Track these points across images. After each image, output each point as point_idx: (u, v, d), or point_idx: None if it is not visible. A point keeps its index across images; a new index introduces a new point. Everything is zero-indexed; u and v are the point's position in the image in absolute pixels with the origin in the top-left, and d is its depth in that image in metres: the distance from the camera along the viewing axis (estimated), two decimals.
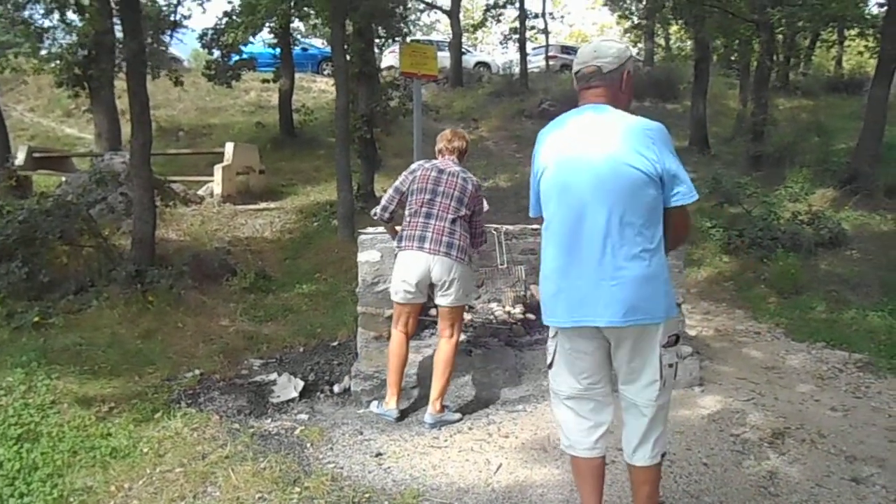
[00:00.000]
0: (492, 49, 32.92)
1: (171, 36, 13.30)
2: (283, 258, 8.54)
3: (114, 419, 3.85)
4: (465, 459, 3.35)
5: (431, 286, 3.80)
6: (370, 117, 10.88)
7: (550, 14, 23.92)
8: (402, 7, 12.47)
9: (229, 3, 13.84)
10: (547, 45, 23.13)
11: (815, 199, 9.94)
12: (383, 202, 3.93)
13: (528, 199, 2.54)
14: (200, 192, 10.81)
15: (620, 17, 18.14)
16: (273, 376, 4.57)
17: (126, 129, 9.57)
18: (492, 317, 4.57)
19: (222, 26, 12.43)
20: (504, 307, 4.62)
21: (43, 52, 12.11)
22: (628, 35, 19.68)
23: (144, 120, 7.02)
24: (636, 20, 17.91)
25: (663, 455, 2.41)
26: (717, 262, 8.16)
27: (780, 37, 15.61)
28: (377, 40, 12.29)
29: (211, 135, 15.27)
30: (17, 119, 15.55)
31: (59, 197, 7.81)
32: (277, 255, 8.65)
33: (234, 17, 11.91)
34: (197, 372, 4.76)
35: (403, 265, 3.78)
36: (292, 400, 4.24)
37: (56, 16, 11.14)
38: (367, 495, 2.98)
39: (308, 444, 3.54)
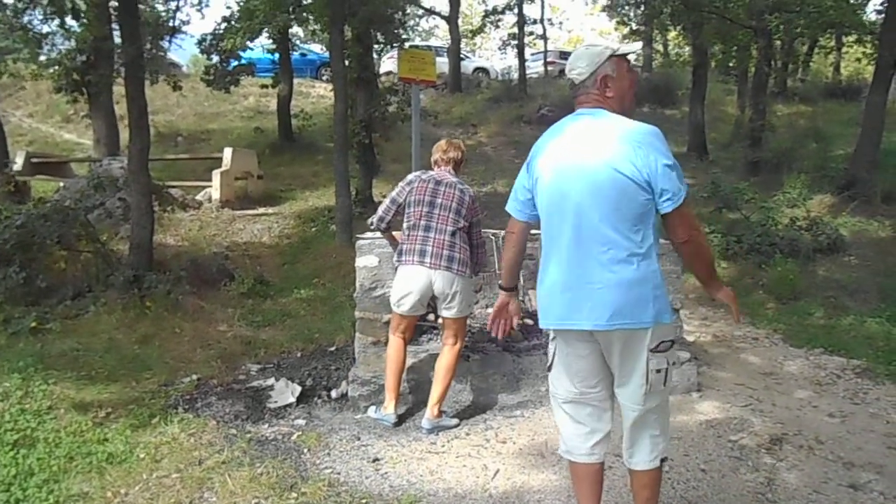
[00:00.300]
0: (490, 55, 32.99)
1: (170, 41, 13.31)
2: (281, 263, 8.54)
3: (110, 424, 3.83)
4: (463, 465, 3.35)
5: (433, 298, 3.81)
6: (369, 123, 10.90)
7: (549, 20, 24.03)
8: (400, 13, 12.50)
9: (228, 8, 13.90)
10: (545, 51, 23.20)
11: (813, 205, 9.94)
12: (380, 213, 3.93)
13: None
14: (199, 198, 10.82)
15: (619, 22, 18.18)
16: (270, 381, 4.56)
17: (124, 135, 9.56)
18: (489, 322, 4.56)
19: (221, 32, 12.44)
20: None
21: (42, 58, 12.10)
22: (626, 41, 19.73)
23: (142, 125, 7.02)
24: (634, 26, 17.94)
25: (663, 460, 2.41)
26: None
27: (778, 43, 15.67)
28: (376, 46, 12.31)
29: (209, 140, 15.28)
30: (15, 124, 15.54)
31: (57, 202, 7.81)
32: (275, 260, 8.65)
33: (233, 23, 11.92)
34: (194, 377, 4.75)
35: (404, 280, 3.78)
36: (290, 405, 4.23)
37: (55, 21, 11.13)
38: (364, 501, 2.97)
39: (305, 450, 3.54)
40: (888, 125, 10.83)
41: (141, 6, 10.39)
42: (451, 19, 20.67)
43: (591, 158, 2.23)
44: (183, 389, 4.50)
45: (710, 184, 10.09)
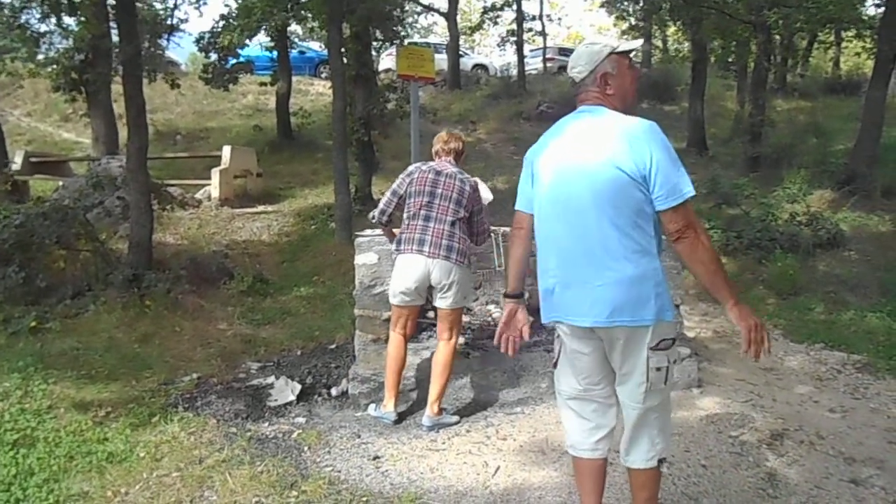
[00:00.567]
0: (489, 51, 33.03)
1: (169, 40, 13.29)
2: (280, 261, 8.53)
3: (110, 424, 3.83)
4: (463, 462, 3.34)
5: (430, 288, 3.80)
6: (367, 120, 10.88)
7: (548, 16, 23.95)
8: (399, 10, 12.47)
9: (226, 6, 13.83)
10: (545, 47, 23.16)
11: (812, 200, 9.94)
12: (381, 205, 3.93)
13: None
14: (198, 196, 10.80)
15: (618, 18, 18.16)
16: (270, 380, 4.55)
17: (123, 133, 9.55)
18: (490, 319, 4.57)
19: (219, 29, 12.42)
20: (502, 309, 4.61)
21: (39, 57, 12.07)
22: (626, 37, 19.70)
23: (141, 123, 7.01)
24: (633, 21, 17.91)
25: (661, 461, 2.39)
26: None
27: (778, 38, 15.63)
28: (374, 43, 12.30)
29: (208, 138, 15.26)
30: (13, 124, 15.52)
31: (56, 201, 7.80)
32: (275, 258, 8.64)
33: (231, 20, 11.90)
34: (194, 376, 4.75)
35: (402, 269, 3.77)
36: (290, 403, 4.23)
37: (52, 20, 11.11)
38: (364, 499, 2.97)
39: (305, 448, 3.53)
40: (888, 120, 10.82)
41: (139, 4, 10.39)
42: (450, 16, 20.63)
43: (592, 156, 2.22)
44: (183, 388, 4.50)
45: (709, 180, 10.09)
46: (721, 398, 4.17)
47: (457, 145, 3.99)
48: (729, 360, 5.03)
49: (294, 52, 17.49)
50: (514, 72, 21.08)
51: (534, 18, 22.02)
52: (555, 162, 2.34)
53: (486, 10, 22.46)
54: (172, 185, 10.31)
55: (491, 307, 4.66)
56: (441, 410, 3.82)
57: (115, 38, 9.88)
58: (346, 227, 8.69)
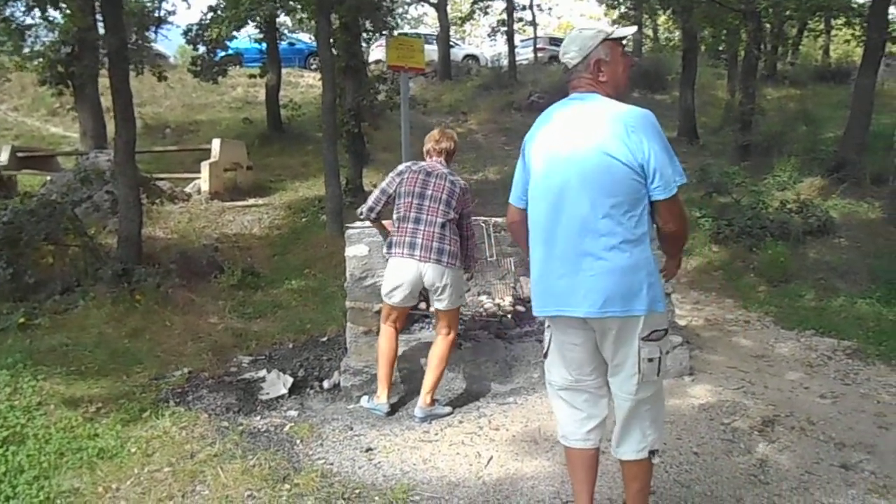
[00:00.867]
0: (480, 42, 32.83)
1: (156, 32, 13.16)
2: (271, 254, 8.49)
3: (101, 419, 3.80)
4: (456, 453, 3.34)
5: (424, 288, 3.79)
6: (358, 112, 10.82)
7: (538, 6, 23.88)
8: (388, 0, 12.38)
9: None
10: (535, 37, 23.11)
11: (803, 188, 9.97)
12: (370, 203, 3.90)
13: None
14: (188, 190, 10.73)
15: (608, 7, 18.09)
16: (262, 373, 4.54)
17: (111, 127, 9.46)
18: (481, 309, 4.55)
19: (207, 21, 12.31)
20: (494, 300, 4.60)
21: (25, 50, 11.93)
22: (617, 26, 19.58)
23: (128, 117, 6.95)
24: (624, 10, 17.85)
25: (653, 452, 2.37)
26: (707, 251, 8.18)
27: (768, 26, 15.64)
28: (364, 34, 12.21)
29: (198, 131, 15.15)
30: (0, 118, 15.37)
31: (44, 196, 7.74)
32: (266, 251, 8.61)
33: (219, 12, 11.79)
34: (185, 370, 4.72)
35: (394, 272, 3.76)
36: (282, 396, 4.21)
37: (37, 13, 10.96)
38: (357, 491, 2.96)
39: (298, 441, 3.52)
40: (877, 107, 10.87)
41: None
42: (440, 6, 20.55)
43: (582, 144, 2.20)
44: (174, 383, 4.47)
45: (700, 168, 10.11)
46: (713, 386, 4.19)
47: (448, 145, 3.96)
48: (720, 348, 5.05)
49: (283, 44, 17.36)
50: (505, 62, 21.04)
51: (524, 8, 21.97)
52: (545, 150, 2.31)
53: (476, 0, 22.37)
54: (162, 179, 10.26)
55: (483, 298, 4.65)
56: (434, 401, 3.81)
57: (102, 31, 9.77)
58: (337, 219, 8.65)
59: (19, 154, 11.79)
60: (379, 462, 3.26)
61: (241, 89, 17.97)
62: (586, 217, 2.19)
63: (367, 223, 4.24)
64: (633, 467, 2.38)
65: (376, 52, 18.57)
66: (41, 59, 11.88)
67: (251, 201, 10.75)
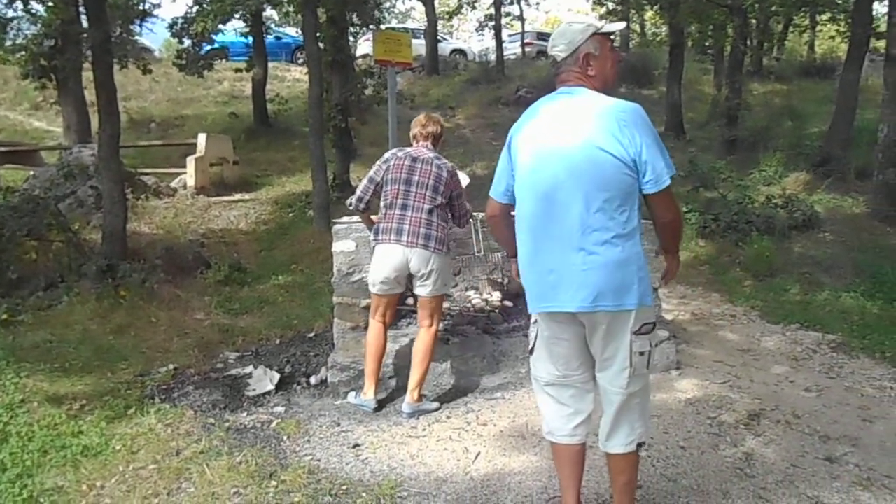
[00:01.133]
0: (468, 36, 32.83)
1: (141, 25, 13.02)
2: (258, 250, 8.44)
3: (85, 417, 3.77)
4: (444, 448, 3.33)
5: (409, 277, 3.77)
6: (345, 106, 10.77)
7: (526, 0, 23.87)
8: None
9: None
10: (523, 32, 23.14)
11: (788, 183, 10.05)
12: (358, 192, 3.88)
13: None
14: (173, 184, 10.64)
15: (595, 2, 18.10)
16: (249, 369, 4.51)
17: (95, 121, 9.36)
18: (469, 304, 4.56)
19: (192, 15, 12.19)
20: (481, 295, 4.60)
21: (7, 44, 11.76)
22: (605, 21, 19.63)
23: (112, 111, 6.87)
24: (611, 6, 17.88)
25: (640, 445, 2.39)
26: (693, 246, 8.22)
27: (754, 22, 15.71)
28: (351, 28, 12.15)
29: (183, 126, 15.01)
30: None
31: (27, 192, 7.64)
32: (252, 246, 8.55)
33: (204, 6, 11.68)
34: (171, 367, 4.68)
35: (381, 259, 3.74)
36: (268, 393, 4.19)
37: (19, 5, 10.81)
38: (344, 487, 2.95)
39: (285, 437, 3.50)
40: (861, 103, 10.95)
41: None
42: (428, 1, 20.46)
43: (571, 138, 2.19)
44: (159, 379, 4.43)
45: (687, 163, 10.15)
46: (699, 380, 4.21)
47: (435, 129, 3.94)
48: (707, 342, 5.07)
49: (270, 38, 17.24)
50: (493, 57, 21.03)
51: (512, 3, 22.00)
52: (532, 143, 2.30)
53: None
54: (147, 174, 10.16)
55: (470, 293, 4.65)
56: (421, 397, 3.80)
57: (86, 24, 9.65)
58: (324, 214, 8.61)
59: (1, 148, 11.65)
60: (366, 458, 3.25)
61: (227, 83, 17.82)
62: (578, 212, 2.17)
63: (355, 218, 4.23)
64: (621, 461, 2.38)
65: (363, 46, 18.49)
66: (24, 53, 11.69)
67: (237, 196, 10.67)
